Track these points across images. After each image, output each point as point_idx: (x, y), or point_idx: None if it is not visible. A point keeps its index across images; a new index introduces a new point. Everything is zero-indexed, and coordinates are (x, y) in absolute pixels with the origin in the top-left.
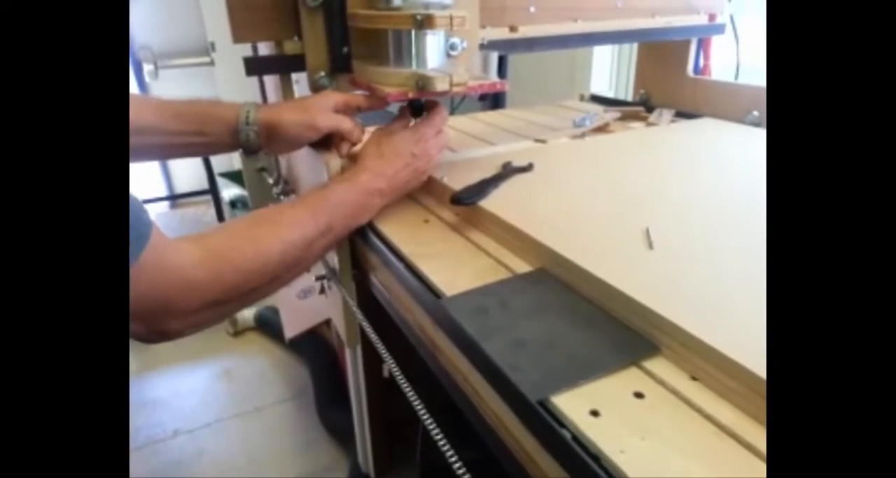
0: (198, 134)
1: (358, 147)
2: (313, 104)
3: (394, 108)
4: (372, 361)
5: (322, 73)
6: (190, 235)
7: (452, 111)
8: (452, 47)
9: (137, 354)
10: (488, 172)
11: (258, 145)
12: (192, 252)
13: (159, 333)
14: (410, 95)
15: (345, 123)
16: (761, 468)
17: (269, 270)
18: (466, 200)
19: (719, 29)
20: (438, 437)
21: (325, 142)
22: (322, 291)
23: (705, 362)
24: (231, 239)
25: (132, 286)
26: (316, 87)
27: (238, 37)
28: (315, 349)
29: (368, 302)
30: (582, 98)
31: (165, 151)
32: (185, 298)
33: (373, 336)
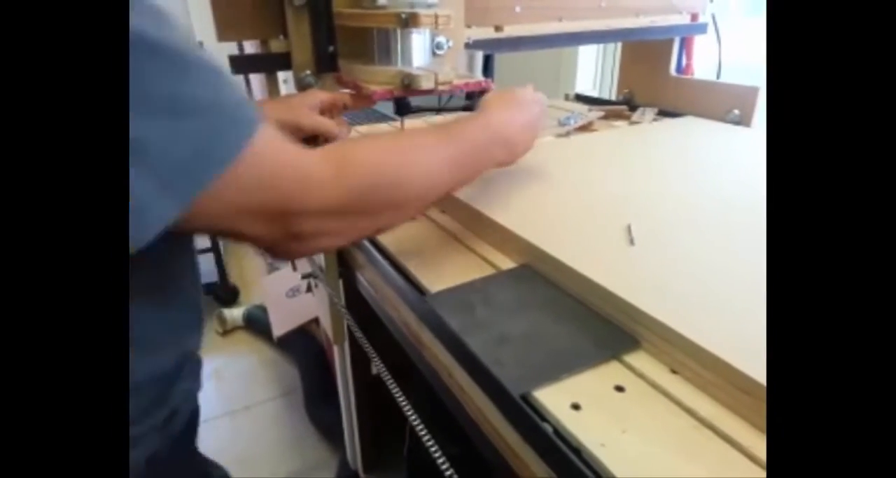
0: None
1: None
2: (298, 103)
3: (380, 106)
4: (360, 358)
5: (308, 72)
6: None
7: (439, 110)
8: (438, 46)
9: None
10: None
11: None
12: (316, 152)
13: (288, 234)
14: (396, 94)
15: (327, 125)
16: (740, 460)
17: (397, 183)
18: None
19: (701, 28)
20: (423, 433)
21: (312, 142)
22: (309, 289)
23: (685, 356)
24: (358, 145)
25: (245, 177)
26: (302, 86)
27: (223, 35)
28: (304, 347)
29: (355, 300)
30: (567, 97)
31: None
32: (305, 195)
33: (359, 334)
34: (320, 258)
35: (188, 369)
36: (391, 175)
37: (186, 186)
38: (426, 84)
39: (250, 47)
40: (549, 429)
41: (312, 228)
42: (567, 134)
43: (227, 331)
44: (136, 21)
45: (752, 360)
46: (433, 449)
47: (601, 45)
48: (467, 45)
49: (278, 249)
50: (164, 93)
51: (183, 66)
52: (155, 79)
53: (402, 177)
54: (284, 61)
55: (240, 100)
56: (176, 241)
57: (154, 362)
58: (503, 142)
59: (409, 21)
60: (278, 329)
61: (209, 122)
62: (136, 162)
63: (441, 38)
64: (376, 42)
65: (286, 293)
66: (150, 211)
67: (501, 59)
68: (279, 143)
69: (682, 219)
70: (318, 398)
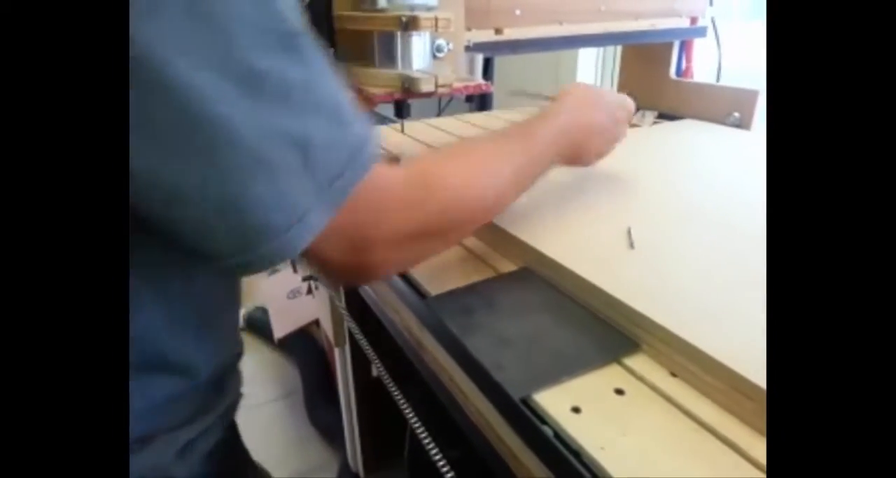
0: None
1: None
2: None
3: (380, 108)
4: (360, 360)
5: None
6: None
7: (439, 112)
8: (438, 49)
9: None
10: None
11: None
12: (397, 170)
13: (362, 265)
14: (396, 96)
15: None
16: (740, 463)
17: (473, 202)
18: None
19: (701, 32)
20: (423, 435)
21: None
22: (309, 291)
23: (685, 359)
24: (437, 164)
25: (361, 195)
26: None
27: None
28: (304, 349)
29: (356, 302)
30: None
31: None
32: (389, 219)
33: (359, 336)
34: None
35: (237, 362)
36: (468, 195)
37: (339, 193)
38: (426, 87)
39: None
40: (549, 432)
41: (385, 258)
42: None
43: None
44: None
45: (751, 363)
46: (433, 451)
47: (601, 49)
48: (467, 48)
49: (346, 275)
50: (331, 98)
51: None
52: (326, 86)
53: (477, 196)
54: None
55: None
56: None
57: (221, 354)
58: (572, 147)
59: (410, 24)
60: (279, 331)
61: (361, 130)
62: (301, 159)
63: (441, 41)
64: (376, 45)
65: (287, 295)
66: (308, 217)
67: (501, 62)
68: (385, 165)
69: (683, 222)
70: (318, 400)
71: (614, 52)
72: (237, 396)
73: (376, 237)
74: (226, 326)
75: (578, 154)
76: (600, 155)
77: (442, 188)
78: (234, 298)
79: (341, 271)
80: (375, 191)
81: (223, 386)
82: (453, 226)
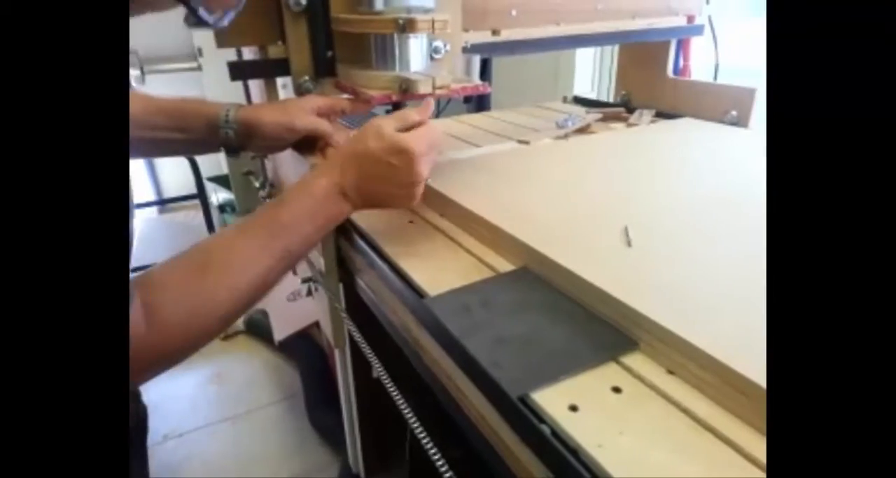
0: (178, 130)
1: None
2: (293, 106)
3: (378, 110)
4: (361, 362)
5: (306, 78)
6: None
7: (438, 113)
8: (436, 51)
9: None
10: (474, 173)
11: (238, 144)
12: (139, 320)
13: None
14: (394, 98)
15: (323, 125)
16: (737, 460)
17: (221, 317)
18: None
19: (698, 30)
20: (423, 436)
21: (310, 145)
22: (309, 293)
23: (682, 357)
24: (176, 300)
25: None
26: (301, 92)
27: (222, 42)
28: (305, 351)
29: (355, 304)
30: (565, 100)
31: (147, 147)
32: (137, 361)
33: (359, 338)
34: (319, 262)
35: None
36: (212, 318)
37: None
38: (424, 89)
39: (249, 53)
40: (547, 430)
41: (154, 374)
42: (565, 136)
43: (228, 335)
44: None
45: (749, 361)
46: (433, 452)
47: (598, 48)
48: (465, 49)
49: None
50: None
51: None
52: None
53: (221, 314)
54: (283, 67)
55: None
56: None
57: None
58: (338, 197)
59: (407, 26)
60: (279, 333)
61: None
62: None
63: (438, 43)
64: (374, 47)
65: (287, 297)
66: None
67: (499, 63)
68: None
69: (680, 220)
70: (319, 402)
71: (612, 52)
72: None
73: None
74: None
75: (370, 199)
76: (410, 198)
77: (181, 329)
78: None
79: None
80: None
81: None
82: (199, 340)
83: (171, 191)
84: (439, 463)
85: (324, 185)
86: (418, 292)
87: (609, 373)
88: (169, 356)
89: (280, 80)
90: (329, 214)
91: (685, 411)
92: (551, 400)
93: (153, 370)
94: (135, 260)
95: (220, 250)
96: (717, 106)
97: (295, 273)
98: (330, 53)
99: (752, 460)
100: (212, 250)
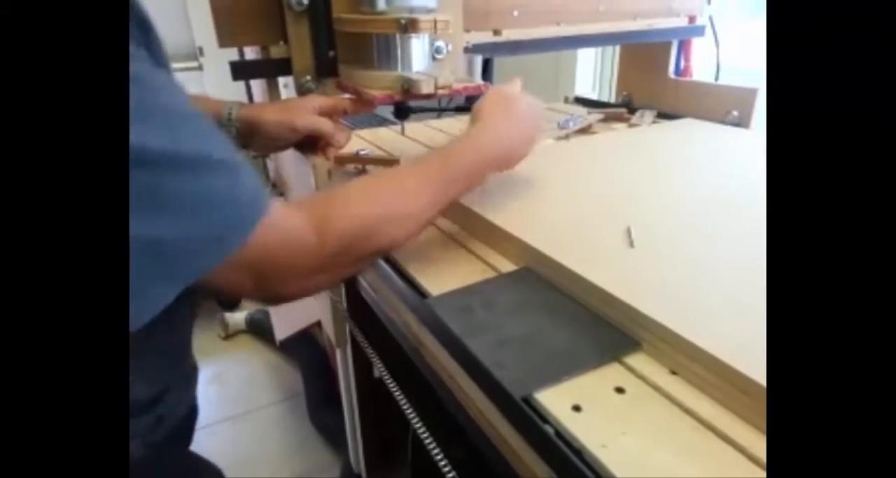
0: None
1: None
2: (295, 106)
3: (381, 110)
4: (362, 361)
5: (308, 77)
6: (300, 199)
7: (440, 114)
8: (437, 51)
9: None
10: None
11: (240, 143)
12: (302, 216)
13: (272, 296)
14: (396, 98)
15: (324, 125)
16: (740, 460)
17: (377, 235)
18: None
19: (699, 31)
20: (425, 436)
21: (313, 145)
22: None
23: (684, 357)
24: (338, 200)
25: (243, 258)
26: (302, 92)
27: (223, 41)
28: (306, 351)
29: (357, 303)
30: (566, 100)
31: None
32: (297, 263)
33: (360, 337)
34: None
35: (178, 381)
36: (372, 229)
37: (189, 272)
38: (426, 89)
39: (251, 53)
40: (551, 431)
41: (298, 287)
42: (566, 137)
43: (229, 335)
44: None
45: (751, 361)
46: (435, 452)
47: (600, 48)
48: (466, 50)
49: (265, 301)
50: (185, 191)
51: (202, 164)
52: (173, 181)
53: (383, 230)
54: (285, 67)
55: (249, 188)
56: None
57: (143, 389)
58: (495, 161)
59: (409, 26)
60: (281, 333)
61: (222, 214)
62: (145, 254)
63: (440, 43)
64: (376, 47)
65: None
66: (149, 294)
67: (500, 63)
68: (273, 222)
69: (682, 221)
70: (321, 402)
71: (613, 52)
72: (171, 420)
73: (285, 276)
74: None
75: (506, 164)
76: (522, 158)
77: (340, 226)
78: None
79: (253, 298)
80: (276, 233)
81: (151, 406)
82: (359, 257)
83: None
84: (441, 463)
85: (488, 143)
86: (420, 292)
87: (612, 373)
88: (331, 264)
89: (282, 80)
90: (481, 175)
91: (688, 411)
92: (554, 400)
93: (319, 279)
94: None
95: (392, 180)
96: (719, 106)
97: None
98: (332, 53)
99: (756, 461)
100: (383, 178)
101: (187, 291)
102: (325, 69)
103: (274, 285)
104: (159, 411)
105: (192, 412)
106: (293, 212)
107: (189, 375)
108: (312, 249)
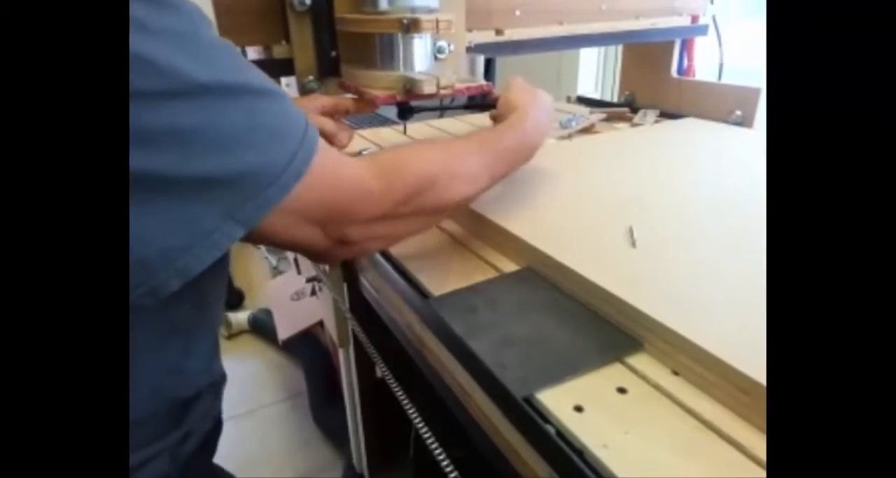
0: None
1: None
2: (297, 105)
3: (383, 110)
4: (364, 361)
5: (311, 77)
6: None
7: (442, 114)
8: (440, 50)
9: None
10: None
11: None
12: (364, 163)
13: (339, 240)
14: (398, 98)
15: (327, 125)
16: (741, 460)
17: (440, 190)
18: None
19: (702, 30)
20: (427, 435)
21: None
22: (313, 292)
23: (686, 358)
24: (403, 154)
25: (310, 190)
26: (305, 91)
27: None
28: (309, 351)
29: (359, 303)
30: (568, 99)
31: None
32: (358, 205)
33: (362, 337)
34: None
35: (209, 388)
36: (435, 182)
37: (254, 212)
38: (428, 88)
39: (253, 53)
40: (552, 431)
41: (362, 234)
42: (569, 136)
43: (232, 334)
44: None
45: (753, 362)
46: (437, 451)
47: (602, 48)
48: (469, 49)
49: (329, 255)
50: (239, 125)
51: (259, 94)
52: (229, 115)
53: (444, 184)
54: (287, 67)
55: (300, 118)
56: (215, 268)
57: (181, 388)
58: (531, 148)
59: (411, 26)
60: (283, 333)
61: (279, 147)
62: (202, 197)
63: (443, 43)
64: (378, 47)
65: (291, 297)
66: (214, 235)
67: (503, 62)
68: (335, 157)
69: (684, 221)
70: (323, 402)
71: (616, 52)
72: (199, 434)
73: (352, 219)
74: (170, 361)
75: (532, 154)
76: (538, 149)
77: (406, 175)
78: (180, 335)
79: (326, 252)
80: (341, 178)
81: (180, 419)
82: (422, 211)
83: None
84: (444, 463)
85: (529, 128)
86: (423, 292)
87: (614, 373)
88: (393, 213)
89: (284, 80)
90: (521, 158)
91: (690, 411)
92: (556, 400)
93: (380, 229)
94: None
95: (445, 143)
96: (722, 106)
97: (299, 273)
98: (334, 53)
99: (757, 461)
100: (441, 141)
101: (221, 271)
102: (328, 69)
103: (340, 229)
104: (186, 426)
105: (217, 426)
106: (358, 160)
107: (218, 382)
108: (376, 195)
